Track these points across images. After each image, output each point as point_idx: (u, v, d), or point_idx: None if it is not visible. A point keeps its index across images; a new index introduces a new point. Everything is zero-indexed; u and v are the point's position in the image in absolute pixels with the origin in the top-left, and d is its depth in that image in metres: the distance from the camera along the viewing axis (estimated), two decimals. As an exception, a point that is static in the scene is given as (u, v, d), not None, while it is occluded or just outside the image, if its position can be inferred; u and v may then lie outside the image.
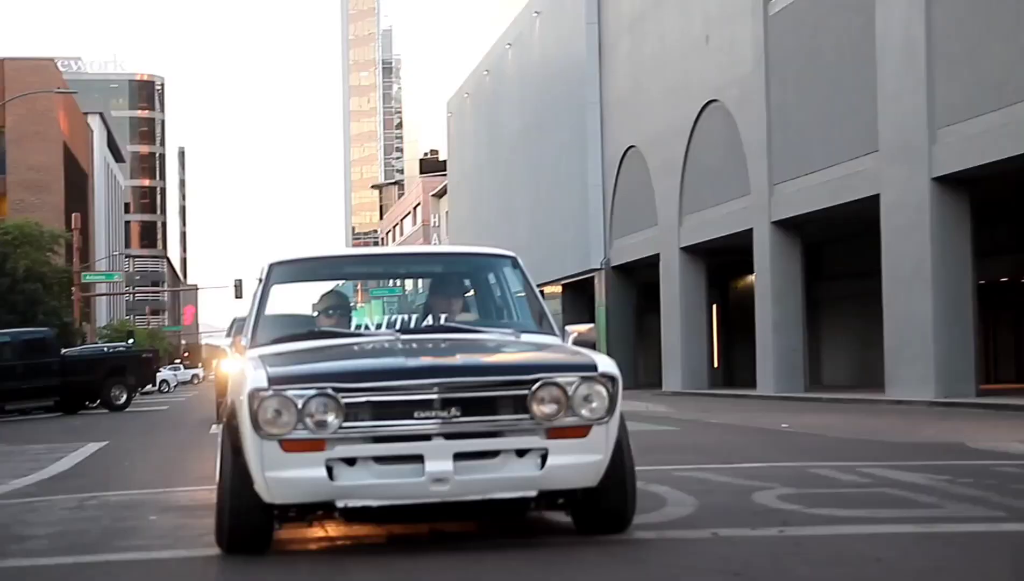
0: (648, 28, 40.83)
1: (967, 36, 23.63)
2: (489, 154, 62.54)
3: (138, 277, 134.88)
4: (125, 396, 32.41)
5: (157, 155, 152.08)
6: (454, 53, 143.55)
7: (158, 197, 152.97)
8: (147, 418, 27.05)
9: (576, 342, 6.87)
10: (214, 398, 23.21)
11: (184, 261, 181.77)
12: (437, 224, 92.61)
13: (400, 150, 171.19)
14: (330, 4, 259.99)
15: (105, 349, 42.49)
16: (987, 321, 32.08)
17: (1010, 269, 32.14)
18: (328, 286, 7.75)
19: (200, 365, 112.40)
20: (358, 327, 7.26)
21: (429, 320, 7.14)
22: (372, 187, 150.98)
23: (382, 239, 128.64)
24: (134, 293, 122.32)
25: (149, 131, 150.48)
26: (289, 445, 5.69)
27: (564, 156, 49.10)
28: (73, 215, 73.15)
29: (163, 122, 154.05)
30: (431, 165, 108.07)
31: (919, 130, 24.71)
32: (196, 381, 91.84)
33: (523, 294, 7.40)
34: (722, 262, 39.02)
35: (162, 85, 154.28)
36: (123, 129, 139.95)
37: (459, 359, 6.20)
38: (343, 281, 8.51)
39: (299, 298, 7.96)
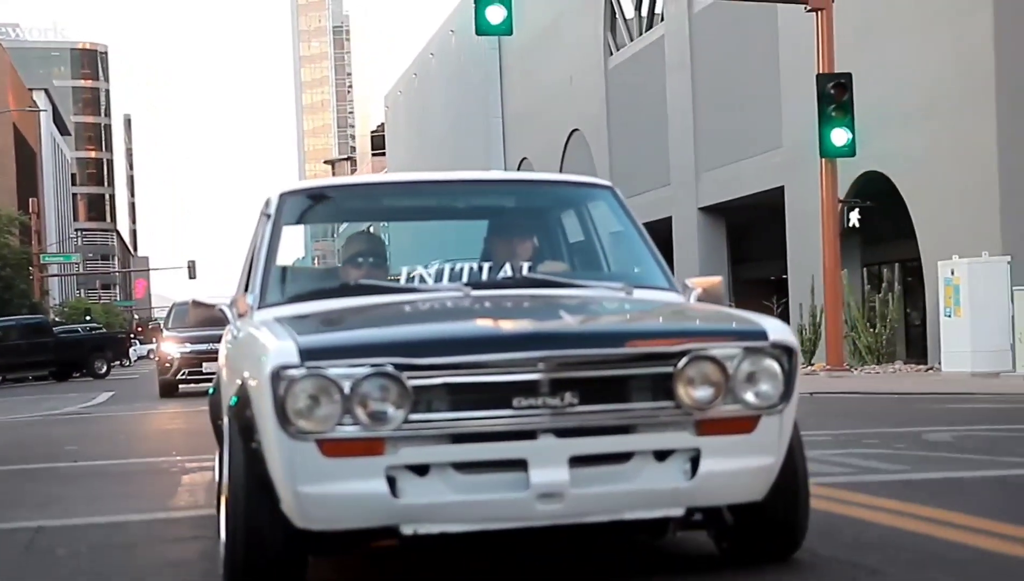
0: (534, 59, 54.01)
1: (714, 108, 36.88)
2: (419, 152, 75.84)
3: (89, 253, 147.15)
4: (105, 367, 45.50)
5: (102, 126, 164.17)
6: (404, 26, 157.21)
7: (105, 169, 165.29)
8: (127, 383, 39.93)
9: (700, 299, 5.68)
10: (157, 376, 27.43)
11: (134, 233, 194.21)
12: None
13: (353, 114, 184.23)
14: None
15: (80, 330, 55.52)
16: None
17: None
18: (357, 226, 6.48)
19: (153, 340, 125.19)
20: (409, 278, 5.70)
21: (506, 269, 5.73)
22: (325, 162, 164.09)
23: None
24: (85, 273, 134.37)
25: (93, 101, 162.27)
26: (332, 447, 4.35)
27: (474, 163, 62.45)
28: (31, 200, 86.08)
29: (108, 92, 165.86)
30: (383, 142, 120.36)
31: (690, 172, 38.21)
32: (152, 356, 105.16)
33: (628, 236, 6.08)
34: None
35: (105, 53, 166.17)
36: (66, 99, 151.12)
37: (569, 323, 4.83)
38: (381, 221, 6.87)
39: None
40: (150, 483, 9.78)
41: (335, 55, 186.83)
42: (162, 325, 29.28)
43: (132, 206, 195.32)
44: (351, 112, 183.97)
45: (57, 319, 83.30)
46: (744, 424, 4.62)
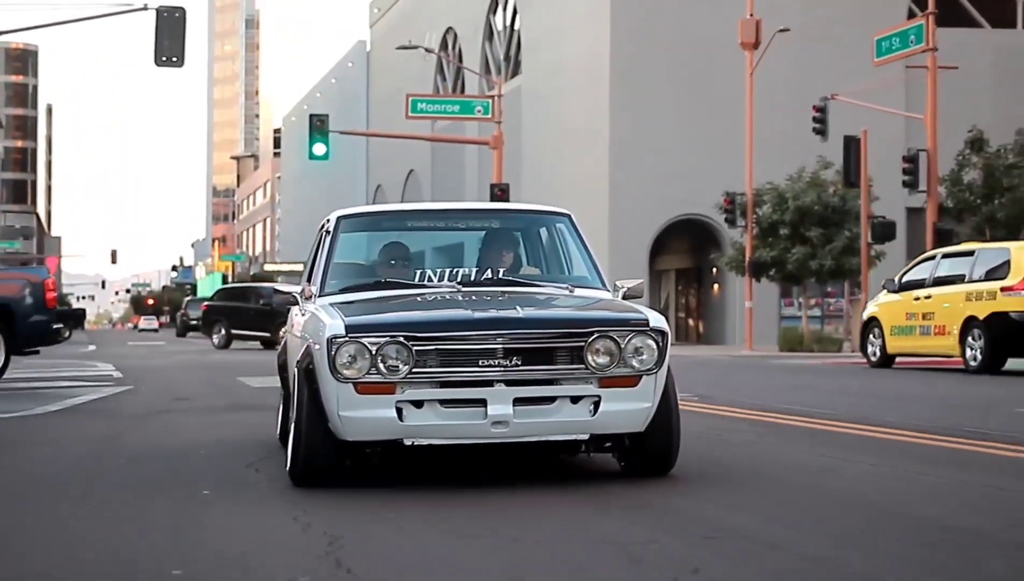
0: (390, 112, 74.58)
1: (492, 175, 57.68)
2: (306, 171, 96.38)
3: (20, 236, 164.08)
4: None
5: (29, 118, 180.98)
6: (309, 36, 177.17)
7: (29, 157, 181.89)
8: (95, 340, 59.76)
9: (625, 296, 8.02)
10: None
11: (49, 214, 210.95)
12: (280, 202, 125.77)
13: (259, 106, 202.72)
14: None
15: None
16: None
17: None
18: (391, 237, 8.73)
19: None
20: (420, 278, 8.13)
21: (488, 273, 8.18)
22: (231, 157, 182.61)
23: (238, 206, 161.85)
24: (13, 252, 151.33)
25: (22, 95, 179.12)
26: (363, 388, 6.80)
27: (347, 184, 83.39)
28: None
29: (36, 87, 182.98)
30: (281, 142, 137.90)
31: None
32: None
33: (576, 250, 8.54)
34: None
35: (36, 52, 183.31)
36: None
37: (521, 312, 7.09)
38: (407, 232, 8.94)
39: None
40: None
41: (246, 57, 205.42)
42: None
43: (49, 189, 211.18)
44: (257, 105, 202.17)
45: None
46: (630, 381, 7.00)
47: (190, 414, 12.88)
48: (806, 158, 40.61)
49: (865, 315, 24.06)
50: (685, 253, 51.43)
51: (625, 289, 8.03)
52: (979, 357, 20.16)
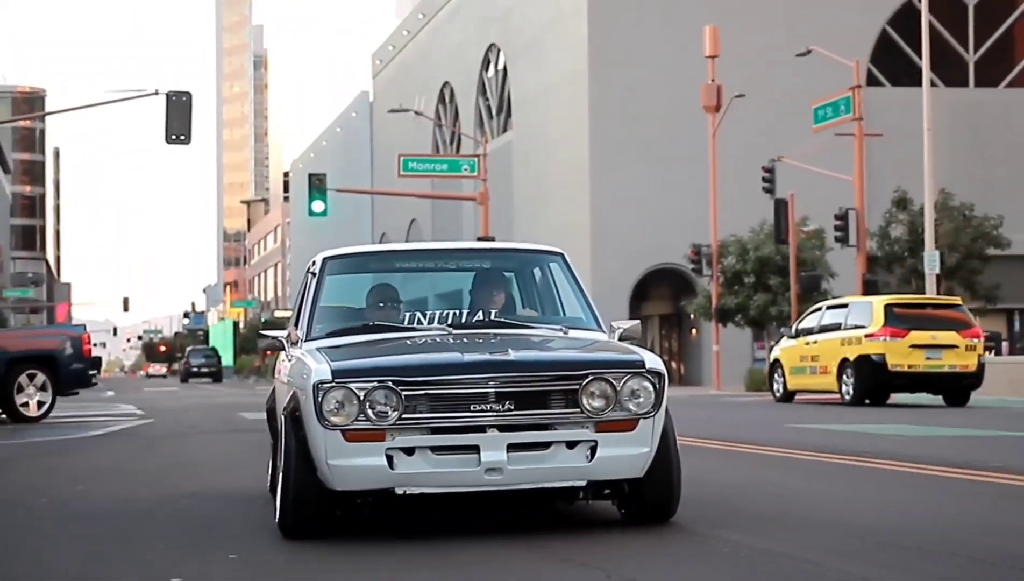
0: (394, 165, 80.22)
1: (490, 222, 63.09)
2: (312, 218, 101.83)
3: (30, 283, 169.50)
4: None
5: (37, 162, 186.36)
6: (316, 80, 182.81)
7: (37, 202, 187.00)
8: (111, 387, 64.78)
9: (622, 337, 8.02)
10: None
11: (58, 259, 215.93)
12: (290, 247, 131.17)
13: (268, 148, 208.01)
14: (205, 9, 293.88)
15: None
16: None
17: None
18: (379, 279, 8.72)
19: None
20: (410, 320, 8.13)
21: (479, 315, 8.14)
22: (241, 202, 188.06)
23: (249, 250, 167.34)
24: (23, 307, 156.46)
25: (30, 139, 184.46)
26: (351, 435, 6.80)
27: (352, 229, 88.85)
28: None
29: (43, 131, 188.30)
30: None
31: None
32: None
33: (570, 290, 8.54)
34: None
35: (43, 97, 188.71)
36: (6, 138, 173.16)
37: (513, 355, 7.03)
38: (395, 274, 8.87)
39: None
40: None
41: (255, 99, 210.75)
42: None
43: (57, 234, 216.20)
44: (267, 148, 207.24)
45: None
46: (627, 424, 6.99)
47: (200, 435, 18.12)
48: (769, 212, 45.54)
49: (771, 357, 29.26)
50: (666, 299, 56.79)
51: (621, 330, 8.07)
52: (851, 392, 25.29)
